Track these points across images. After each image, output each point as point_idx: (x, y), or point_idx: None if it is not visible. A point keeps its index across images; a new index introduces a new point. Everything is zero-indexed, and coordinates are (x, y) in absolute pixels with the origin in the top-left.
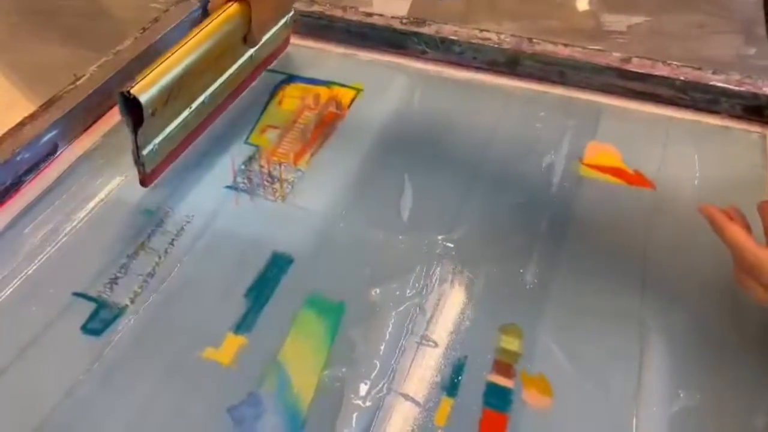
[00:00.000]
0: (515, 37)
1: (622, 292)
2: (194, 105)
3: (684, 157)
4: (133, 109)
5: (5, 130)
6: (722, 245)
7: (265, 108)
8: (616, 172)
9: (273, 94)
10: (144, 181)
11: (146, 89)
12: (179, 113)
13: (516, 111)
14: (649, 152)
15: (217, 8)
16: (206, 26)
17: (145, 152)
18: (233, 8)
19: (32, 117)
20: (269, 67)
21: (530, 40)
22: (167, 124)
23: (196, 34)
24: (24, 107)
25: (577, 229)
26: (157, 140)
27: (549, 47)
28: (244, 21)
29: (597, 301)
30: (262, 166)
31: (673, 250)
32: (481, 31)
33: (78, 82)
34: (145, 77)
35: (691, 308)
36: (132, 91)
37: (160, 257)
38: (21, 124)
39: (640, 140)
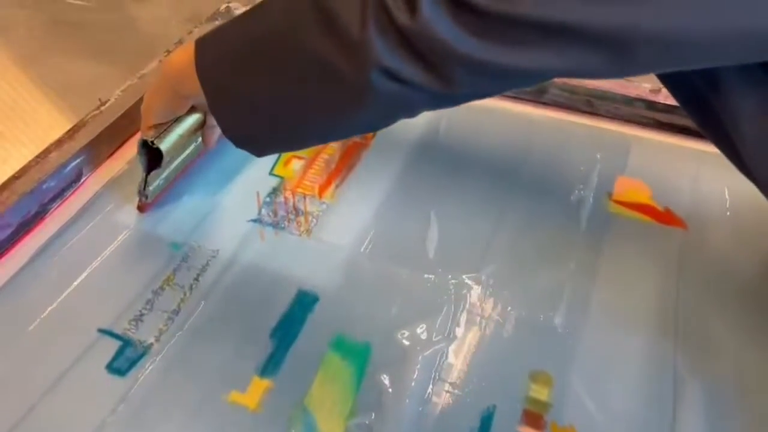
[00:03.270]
0: None
1: (655, 337)
2: (198, 140)
3: (715, 193)
4: (150, 154)
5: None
6: (758, 287)
7: None
8: (645, 209)
9: None
10: (142, 209)
11: (167, 138)
12: (184, 151)
13: (543, 141)
14: (680, 188)
15: None
16: None
17: (151, 188)
18: None
19: (58, 143)
20: None
21: None
22: (173, 163)
23: None
24: (48, 125)
25: (607, 269)
26: (163, 176)
27: None
28: None
29: (629, 347)
30: (286, 198)
31: (707, 293)
32: None
33: (103, 107)
34: (168, 129)
35: (727, 355)
36: (156, 142)
37: (185, 293)
38: (46, 151)
39: (670, 174)
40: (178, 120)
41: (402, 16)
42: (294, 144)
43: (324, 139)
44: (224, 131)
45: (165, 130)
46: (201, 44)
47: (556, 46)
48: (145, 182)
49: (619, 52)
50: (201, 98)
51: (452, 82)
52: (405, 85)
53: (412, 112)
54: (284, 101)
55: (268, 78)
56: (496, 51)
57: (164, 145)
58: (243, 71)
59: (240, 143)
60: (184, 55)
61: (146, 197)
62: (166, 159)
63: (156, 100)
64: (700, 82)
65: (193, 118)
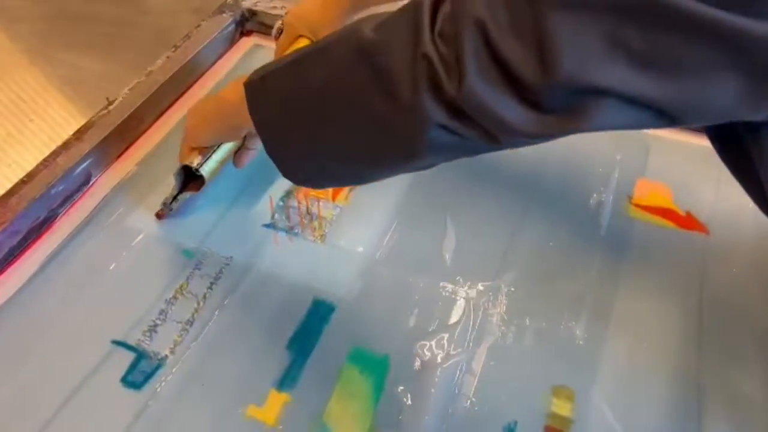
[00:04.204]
0: None
1: (678, 347)
2: (230, 161)
3: (738, 195)
4: (189, 177)
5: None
6: None
7: None
8: (666, 213)
9: None
10: (161, 217)
11: (209, 165)
12: (219, 173)
13: (562, 142)
14: (701, 190)
15: (285, 46)
16: None
17: (177, 203)
18: (302, 44)
19: (65, 146)
20: None
21: None
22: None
23: None
24: (56, 123)
25: (629, 277)
26: (187, 192)
27: None
28: None
29: (652, 359)
30: (300, 202)
31: (731, 302)
32: None
33: (110, 107)
34: (211, 155)
35: (753, 366)
36: (201, 170)
37: (199, 303)
38: (54, 154)
39: (692, 176)
40: (220, 146)
41: (450, 85)
42: (354, 182)
43: (383, 177)
44: (283, 174)
45: (208, 156)
46: (252, 89)
47: (605, 109)
48: (174, 199)
49: (668, 116)
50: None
51: (505, 141)
52: (463, 138)
53: (472, 155)
54: (340, 150)
55: (323, 128)
56: (547, 120)
57: (207, 173)
58: (297, 120)
59: (299, 183)
60: (238, 92)
61: (170, 210)
62: (205, 184)
63: (207, 128)
64: (742, 128)
65: (234, 144)
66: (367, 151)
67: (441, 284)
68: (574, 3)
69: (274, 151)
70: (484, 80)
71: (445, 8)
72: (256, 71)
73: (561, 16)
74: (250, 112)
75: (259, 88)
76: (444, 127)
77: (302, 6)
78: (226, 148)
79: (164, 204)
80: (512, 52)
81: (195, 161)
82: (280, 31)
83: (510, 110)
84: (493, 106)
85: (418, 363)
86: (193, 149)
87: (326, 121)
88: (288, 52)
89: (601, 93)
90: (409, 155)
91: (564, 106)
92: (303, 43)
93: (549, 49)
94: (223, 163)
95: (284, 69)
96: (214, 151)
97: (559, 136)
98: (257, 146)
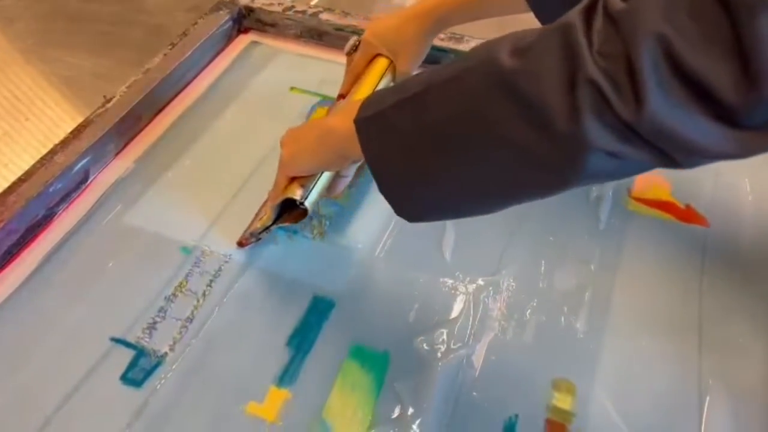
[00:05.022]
0: None
1: (679, 340)
2: None
3: (737, 188)
4: (288, 208)
5: (35, 147)
6: None
7: None
8: (666, 206)
9: (307, 119)
10: (243, 245)
11: (312, 198)
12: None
13: None
14: (700, 182)
15: (362, 64)
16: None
17: (268, 234)
18: (382, 64)
19: (63, 144)
20: (304, 88)
21: None
22: None
23: None
24: (53, 122)
25: (629, 271)
26: (282, 224)
27: None
28: (390, 79)
29: (653, 352)
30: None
31: (731, 294)
32: None
33: (108, 105)
34: (313, 186)
35: (754, 358)
36: (305, 204)
37: (198, 300)
38: (52, 152)
39: (690, 169)
40: (320, 175)
41: (625, 109)
42: (478, 214)
43: (515, 205)
44: (397, 212)
45: (311, 187)
46: (364, 126)
47: None
48: (266, 230)
49: None
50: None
51: (687, 163)
52: (627, 162)
53: (627, 177)
54: (471, 184)
55: (450, 163)
56: (747, 138)
57: (310, 206)
58: (419, 157)
59: (413, 220)
60: (347, 123)
61: (257, 240)
62: (306, 217)
63: (310, 158)
64: None
65: (332, 174)
66: (505, 183)
67: (441, 280)
68: None
69: (389, 189)
70: (669, 100)
71: (599, 25)
72: (366, 105)
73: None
74: (363, 150)
75: (373, 125)
76: (608, 153)
77: (380, 23)
78: (326, 177)
79: (252, 234)
80: (705, 66)
81: (297, 193)
82: (355, 47)
83: (700, 130)
84: (680, 127)
85: (418, 358)
86: (292, 179)
87: (456, 156)
88: (368, 71)
89: None
90: (559, 184)
91: None
92: (382, 62)
93: (755, 59)
94: (322, 193)
95: (402, 104)
96: (316, 181)
97: (758, 153)
98: (351, 173)
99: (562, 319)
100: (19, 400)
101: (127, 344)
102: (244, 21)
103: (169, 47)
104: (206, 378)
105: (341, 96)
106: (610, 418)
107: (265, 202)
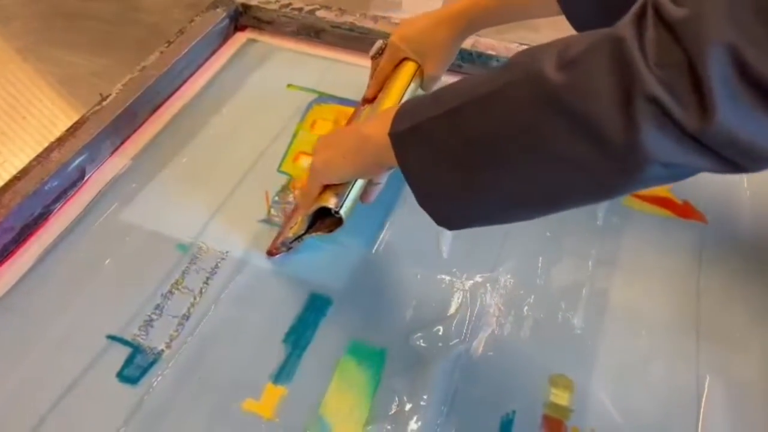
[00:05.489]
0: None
1: (677, 336)
2: None
3: (735, 184)
4: (323, 216)
5: (30, 145)
6: None
7: (296, 132)
8: (664, 202)
9: (304, 116)
10: (273, 255)
11: (347, 205)
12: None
13: None
14: (698, 179)
15: (388, 68)
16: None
17: (300, 243)
18: (409, 68)
19: (59, 142)
20: (301, 85)
21: None
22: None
23: None
24: (49, 121)
25: (626, 267)
26: (314, 233)
27: None
28: (418, 84)
29: (650, 347)
30: (296, 198)
31: (729, 289)
32: (520, 45)
33: (104, 103)
34: (348, 194)
35: (752, 353)
36: (341, 213)
37: (195, 297)
38: (48, 150)
39: None
40: (353, 182)
41: (691, 120)
42: (523, 220)
43: (550, 214)
44: (437, 222)
45: (345, 195)
46: (400, 140)
47: None
48: (298, 239)
49: None
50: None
51: (751, 168)
52: (681, 168)
53: (680, 180)
54: (516, 196)
55: (494, 177)
56: None
57: (345, 214)
58: (460, 171)
59: (453, 228)
60: (383, 131)
61: (288, 250)
62: (341, 226)
63: (345, 166)
64: None
65: (365, 181)
66: (553, 194)
67: (438, 276)
68: None
69: (427, 201)
70: (739, 108)
71: (652, 34)
72: (400, 116)
73: None
74: (399, 164)
75: (410, 139)
76: (666, 165)
77: (409, 27)
78: (360, 184)
79: (283, 243)
80: None
81: (332, 201)
82: (381, 51)
83: None
84: (750, 135)
85: (415, 355)
86: (325, 187)
87: (501, 170)
88: (396, 75)
89: None
90: (610, 193)
91: None
92: (409, 66)
93: None
94: (357, 201)
95: (441, 118)
96: (350, 189)
97: None
98: (385, 180)
99: (560, 315)
100: (16, 397)
101: (124, 342)
102: (241, 19)
103: (166, 45)
104: (203, 375)
105: (366, 100)
106: (608, 413)
107: (295, 209)
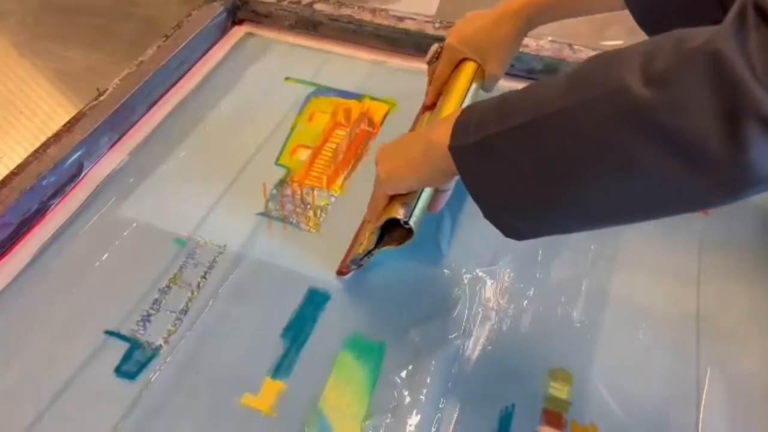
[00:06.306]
0: (555, 42)
1: (677, 329)
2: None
3: None
4: (390, 229)
5: (29, 140)
6: None
7: (294, 125)
8: None
9: (302, 109)
10: (344, 274)
11: (416, 215)
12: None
13: None
14: None
15: (447, 72)
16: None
17: (370, 259)
18: (469, 68)
19: (56, 137)
20: (299, 78)
21: (571, 46)
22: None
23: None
24: (46, 116)
25: (626, 260)
26: (385, 247)
27: (591, 54)
28: (479, 84)
29: (650, 341)
30: (294, 191)
31: (730, 282)
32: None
33: (101, 97)
34: (416, 204)
35: (752, 346)
36: (410, 224)
37: (192, 292)
38: (45, 145)
39: None
40: (421, 191)
41: None
42: (585, 230)
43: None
44: (505, 234)
45: (413, 205)
46: (463, 152)
47: None
48: (368, 254)
49: None
50: None
51: None
52: None
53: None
54: (596, 212)
55: (570, 193)
56: None
57: (414, 225)
58: (533, 186)
59: (521, 239)
60: (447, 139)
61: (359, 267)
62: (413, 237)
63: (412, 174)
64: None
65: (432, 189)
66: (638, 210)
67: (437, 270)
68: None
69: (495, 214)
70: None
71: (756, 41)
72: (462, 125)
73: None
74: (462, 178)
75: (474, 154)
76: None
77: (466, 26)
78: (428, 193)
79: (353, 261)
80: None
81: (400, 212)
82: (437, 55)
83: None
84: None
85: (414, 349)
86: (392, 198)
87: (578, 187)
88: (455, 78)
89: None
90: (702, 207)
91: None
92: (469, 66)
93: None
94: (424, 211)
95: (509, 135)
96: (417, 198)
97: None
98: (452, 187)
99: (559, 309)
100: (14, 392)
101: (122, 337)
102: (239, 12)
103: (163, 39)
104: (201, 370)
105: (426, 108)
106: (608, 407)
107: (363, 224)
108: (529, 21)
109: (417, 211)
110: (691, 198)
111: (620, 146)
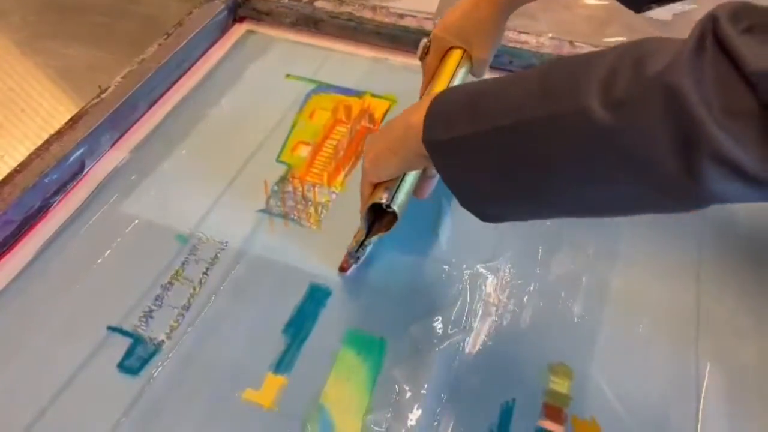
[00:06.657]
0: (555, 39)
1: (676, 324)
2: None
3: None
4: (379, 216)
5: (30, 138)
6: None
7: (295, 122)
8: None
9: (303, 106)
10: (345, 270)
11: (399, 200)
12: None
13: None
14: None
15: (435, 63)
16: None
17: (365, 249)
18: (455, 55)
19: (58, 135)
20: (299, 75)
21: (571, 43)
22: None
23: None
24: (48, 114)
25: (626, 255)
26: (374, 239)
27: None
28: (467, 69)
29: (650, 336)
30: (295, 188)
31: (729, 277)
32: (519, 33)
33: (103, 95)
34: (398, 187)
35: (751, 341)
36: (393, 206)
37: (194, 288)
38: (47, 143)
39: None
40: (404, 176)
41: (761, 169)
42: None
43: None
44: (482, 219)
45: (395, 189)
46: (437, 149)
47: None
48: (361, 245)
49: None
50: None
51: None
52: (746, 197)
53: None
54: (567, 208)
55: (543, 193)
56: None
57: (398, 207)
58: (505, 183)
59: (497, 222)
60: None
61: (357, 261)
62: (397, 223)
63: (392, 158)
64: None
65: (417, 173)
66: (606, 209)
67: (438, 266)
68: None
69: (470, 203)
70: None
71: (714, 73)
72: (433, 118)
73: None
74: (438, 171)
75: (447, 150)
76: (731, 200)
77: (449, 15)
78: (412, 176)
79: (349, 254)
80: None
81: (383, 197)
82: (427, 50)
83: None
84: None
85: (415, 344)
86: (376, 185)
87: (550, 189)
88: (441, 66)
89: None
90: (667, 212)
91: None
92: (456, 54)
93: None
94: (410, 194)
95: (482, 137)
96: (400, 182)
97: None
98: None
99: (560, 304)
100: (16, 388)
101: (124, 332)
102: (240, 10)
103: (164, 37)
104: (203, 365)
105: None
106: (608, 401)
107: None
108: (510, 1)
109: (401, 195)
110: (656, 207)
111: (586, 161)
